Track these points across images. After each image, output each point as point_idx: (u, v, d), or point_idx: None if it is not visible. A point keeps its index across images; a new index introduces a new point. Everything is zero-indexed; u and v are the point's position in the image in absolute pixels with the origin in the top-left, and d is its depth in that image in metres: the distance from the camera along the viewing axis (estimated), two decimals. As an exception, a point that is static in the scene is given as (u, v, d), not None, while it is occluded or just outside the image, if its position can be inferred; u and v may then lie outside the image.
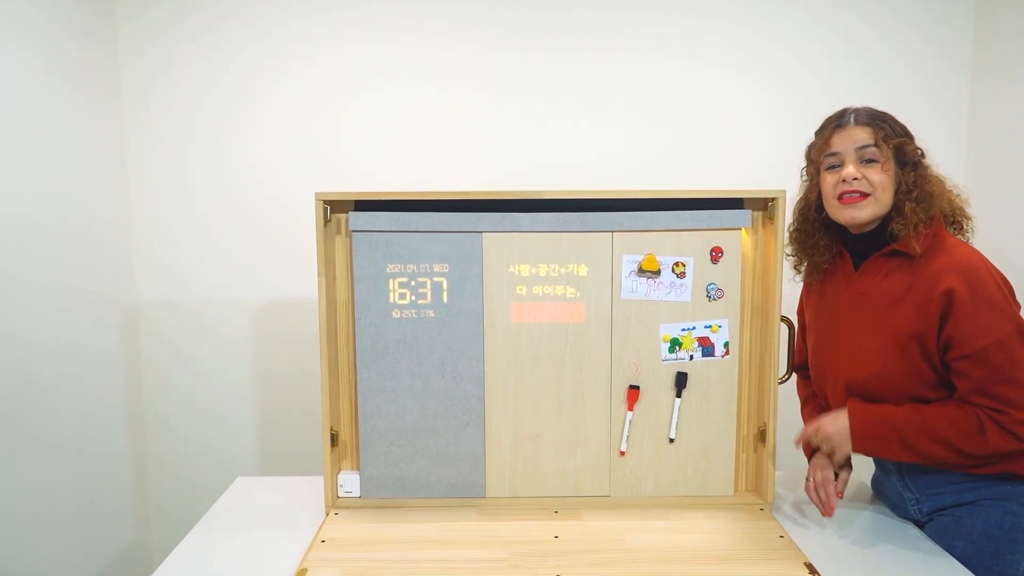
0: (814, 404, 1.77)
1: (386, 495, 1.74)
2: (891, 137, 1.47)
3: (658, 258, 1.68)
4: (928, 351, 1.46)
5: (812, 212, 1.62)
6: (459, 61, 2.45)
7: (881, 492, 1.74)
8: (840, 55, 2.46)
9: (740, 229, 1.69)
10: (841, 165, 1.50)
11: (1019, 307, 1.47)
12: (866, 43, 2.46)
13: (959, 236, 1.54)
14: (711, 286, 1.69)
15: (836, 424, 1.53)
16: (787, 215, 1.65)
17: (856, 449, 1.52)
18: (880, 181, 1.47)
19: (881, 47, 2.46)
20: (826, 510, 1.59)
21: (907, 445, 1.46)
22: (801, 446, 1.69)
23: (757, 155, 2.48)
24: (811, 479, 1.63)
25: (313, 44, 2.44)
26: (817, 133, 1.58)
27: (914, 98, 2.47)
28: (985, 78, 2.41)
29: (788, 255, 1.69)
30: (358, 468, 1.76)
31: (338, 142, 2.47)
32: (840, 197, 1.50)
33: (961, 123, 2.49)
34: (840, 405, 1.60)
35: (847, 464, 1.65)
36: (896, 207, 1.49)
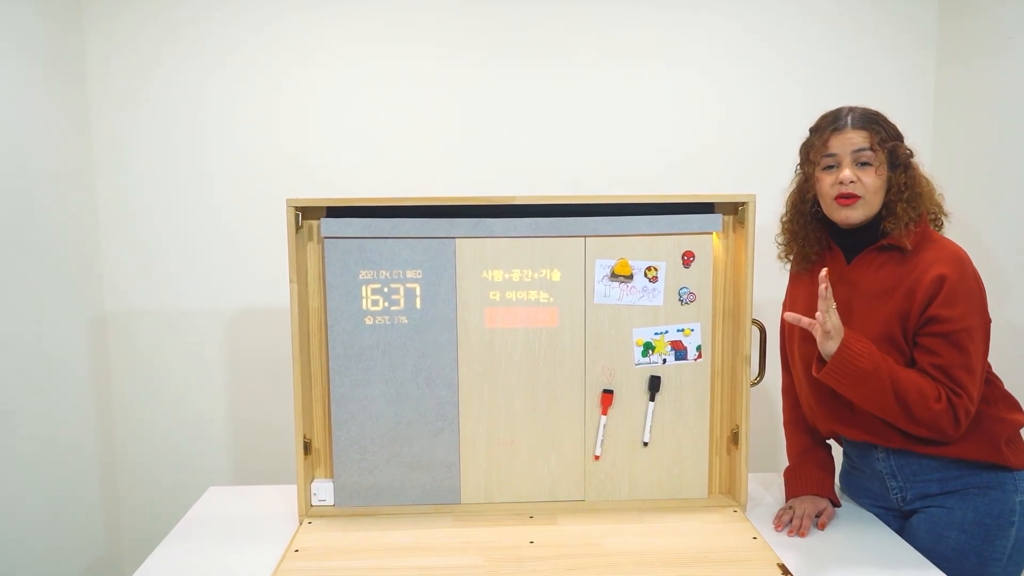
0: (799, 427, 1.80)
1: (360, 503, 1.73)
2: (886, 141, 1.54)
3: (630, 263, 1.69)
4: (907, 331, 1.52)
5: (806, 206, 1.66)
6: (432, 66, 2.45)
7: (853, 485, 1.77)
8: (809, 42, 2.50)
9: (711, 233, 1.70)
10: (838, 167, 1.55)
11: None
12: (834, 26, 2.50)
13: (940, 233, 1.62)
14: (683, 290, 1.70)
15: (840, 330, 1.48)
16: (757, 219, 1.66)
17: (828, 367, 1.49)
18: (873, 184, 1.53)
19: (848, 27, 2.50)
20: (799, 533, 1.61)
21: (868, 386, 1.48)
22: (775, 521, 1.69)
23: (729, 154, 2.50)
24: (792, 509, 1.66)
25: (284, 49, 2.42)
26: (813, 131, 1.62)
27: (880, 75, 2.51)
28: (950, 53, 2.46)
29: (779, 243, 1.74)
30: (332, 476, 1.75)
31: (309, 147, 2.46)
32: (837, 198, 1.55)
33: (927, 99, 2.53)
34: (825, 399, 1.64)
35: (833, 503, 1.70)
36: (887, 207, 1.55)
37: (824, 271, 1.46)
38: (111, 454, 2.52)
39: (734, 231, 1.72)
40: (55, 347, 2.23)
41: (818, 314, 1.47)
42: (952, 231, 1.64)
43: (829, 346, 1.49)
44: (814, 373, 1.55)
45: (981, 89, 2.32)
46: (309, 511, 1.72)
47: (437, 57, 2.45)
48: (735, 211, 1.71)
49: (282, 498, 1.82)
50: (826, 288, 1.45)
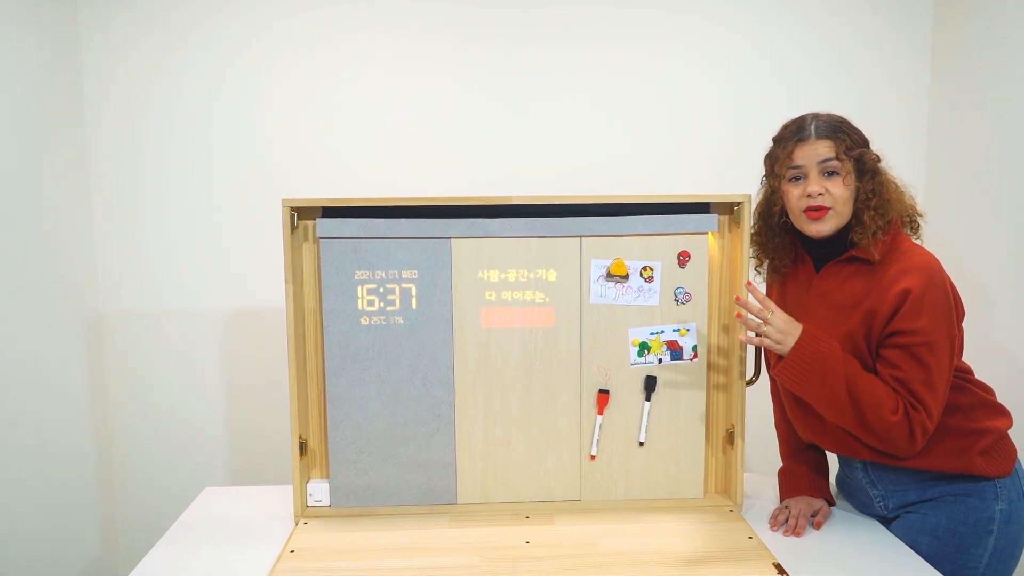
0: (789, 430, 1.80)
1: (356, 503, 1.73)
2: (852, 149, 1.50)
3: (626, 263, 1.69)
4: (871, 346, 1.51)
5: (774, 218, 1.63)
6: (428, 67, 2.45)
7: (846, 490, 1.76)
8: (803, 45, 2.51)
9: (707, 233, 1.70)
10: (804, 178, 1.52)
11: (962, 315, 1.52)
12: (828, 28, 2.50)
13: (914, 236, 1.58)
14: (679, 290, 1.71)
15: (790, 326, 1.50)
16: (752, 219, 1.67)
17: (782, 364, 1.49)
18: (841, 194, 1.49)
19: (842, 29, 2.50)
20: (795, 532, 1.61)
21: (824, 386, 1.46)
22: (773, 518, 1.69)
23: (725, 155, 2.50)
24: (788, 508, 1.66)
25: (279, 49, 2.42)
26: (776, 142, 1.59)
27: (874, 77, 2.51)
28: (945, 54, 2.47)
29: (750, 256, 1.72)
30: (328, 477, 1.75)
31: (305, 148, 2.45)
32: (806, 211, 1.52)
33: (922, 101, 2.54)
34: (799, 409, 1.64)
35: (828, 502, 1.70)
36: (855, 215, 1.52)
37: (742, 288, 1.50)
38: (107, 455, 2.51)
39: (729, 231, 1.72)
40: (50, 348, 2.22)
41: (744, 337, 1.53)
42: (941, 238, 1.62)
43: (781, 348, 1.49)
44: (771, 371, 1.54)
45: (976, 90, 2.32)
46: (305, 511, 1.72)
47: (435, 60, 2.45)
48: (730, 211, 1.71)
49: (278, 499, 1.82)
50: (756, 300, 1.50)
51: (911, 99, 2.53)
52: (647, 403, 1.73)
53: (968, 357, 1.59)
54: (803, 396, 1.53)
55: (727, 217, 1.71)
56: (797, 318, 1.54)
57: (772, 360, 1.63)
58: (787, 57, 2.50)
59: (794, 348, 1.47)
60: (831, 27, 2.50)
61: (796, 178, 1.54)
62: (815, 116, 1.55)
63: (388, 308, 1.68)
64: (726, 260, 1.73)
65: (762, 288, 1.77)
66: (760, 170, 1.67)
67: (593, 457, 1.75)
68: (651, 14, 2.47)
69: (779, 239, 1.65)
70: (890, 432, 1.45)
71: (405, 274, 1.68)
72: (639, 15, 2.46)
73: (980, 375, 1.61)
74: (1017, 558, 1.55)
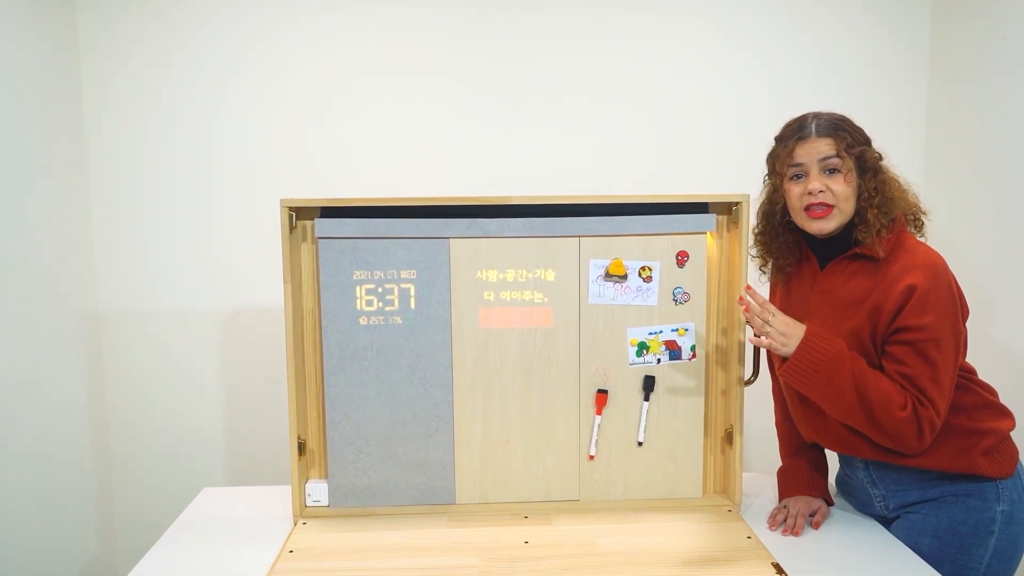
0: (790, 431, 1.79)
1: (355, 503, 1.73)
2: (853, 146, 1.50)
3: (625, 263, 1.69)
4: (876, 343, 1.51)
5: (776, 217, 1.63)
6: (429, 67, 2.45)
7: (846, 490, 1.76)
8: (801, 46, 2.51)
9: (705, 233, 1.70)
10: (805, 176, 1.52)
11: (967, 314, 1.52)
12: (826, 29, 2.51)
13: (918, 233, 1.58)
14: (677, 290, 1.71)
15: (792, 327, 1.49)
16: (751, 218, 1.67)
17: (787, 364, 1.49)
18: (843, 192, 1.49)
19: (839, 30, 2.51)
20: (793, 532, 1.61)
21: (831, 386, 1.46)
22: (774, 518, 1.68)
23: (723, 155, 2.50)
24: (787, 508, 1.66)
25: (279, 48, 2.42)
26: (778, 141, 1.59)
27: (873, 86, 2.52)
28: (943, 54, 2.47)
29: (753, 256, 1.72)
30: (326, 477, 1.75)
31: (304, 148, 2.45)
32: (807, 210, 1.52)
33: (920, 111, 2.54)
34: (803, 408, 1.64)
35: (827, 502, 1.70)
36: (859, 214, 1.52)
37: (742, 292, 1.51)
38: (105, 455, 2.51)
39: (728, 231, 1.72)
40: (49, 349, 2.22)
41: (752, 338, 1.51)
42: (941, 239, 1.62)
43: (786, 350, 1.49)
44: (777, 371, 1.54)
45: (974, 90, 2.32)
46: (304, 512, 1.72)
47: (434, 60, 2.45)
48: (729, 211, 1.71)
49: (277, 499, 1.82)
50: (756, 303, 1.50)
51: (909, 99, 2.53)
52: (646, 403, 1.73)
53: (970, 358, 1.58)
54: (810, 396, 1.53)
55: (725, 217, 1.71)
56: (802, 315, 1.54)
57: (777, 361, 1.63)
58: (785, 57, 2.50)
59: (799, 348, 1.47)
60: (829, 27, 2.50)
61: (797, 176, 1.54)
62: (816, 115, 1.55)
63: (387, 308, 1.68)
64: (725, 260, 1.73)
65: (765, 288, 1.78)
66: (758, 170, 1.67)
67: (592, 457, 1.75)
68: (650, 17, 2.47)
69: (783, 238, 1.65)
70: (899, 428, 1.45)
71: (404, 274, 1.68)
72: (638, 17, 2.46)
73: (983, 376, 1.61)
74: (1018, 560, 1.55)
